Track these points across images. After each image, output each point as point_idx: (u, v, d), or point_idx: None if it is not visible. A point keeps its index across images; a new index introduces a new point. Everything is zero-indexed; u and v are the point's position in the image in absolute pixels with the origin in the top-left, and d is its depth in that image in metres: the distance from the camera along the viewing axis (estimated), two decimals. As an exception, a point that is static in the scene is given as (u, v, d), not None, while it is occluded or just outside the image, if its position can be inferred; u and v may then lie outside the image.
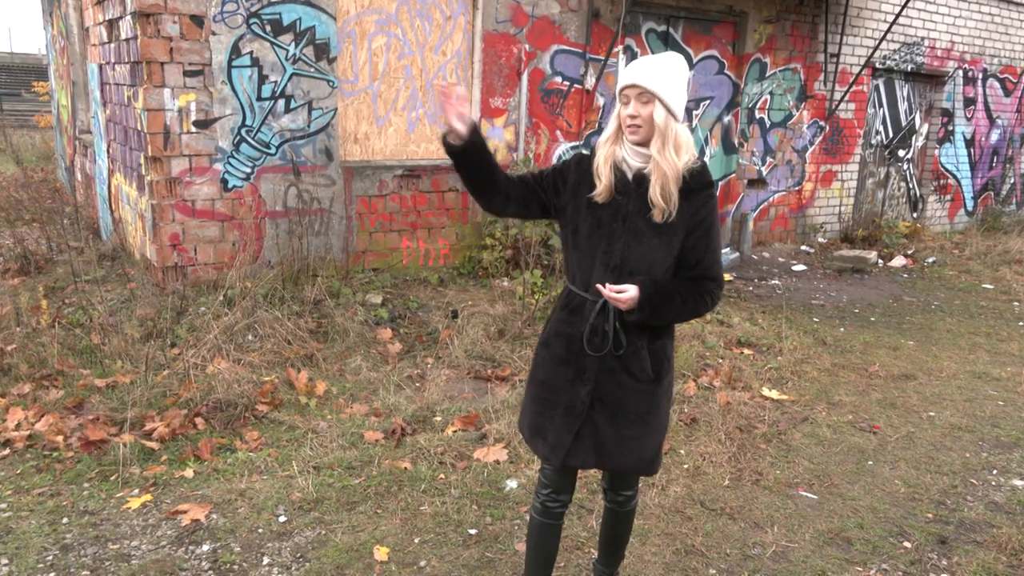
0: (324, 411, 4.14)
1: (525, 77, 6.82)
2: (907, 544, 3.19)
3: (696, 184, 2.18)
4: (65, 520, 3.05)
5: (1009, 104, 11.24)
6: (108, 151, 6.65)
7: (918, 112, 10.38)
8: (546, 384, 2.32)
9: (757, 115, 8.57)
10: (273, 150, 5.71)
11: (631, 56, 7.48)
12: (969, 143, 10.96)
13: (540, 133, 7.05)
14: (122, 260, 6.19)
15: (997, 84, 10.94)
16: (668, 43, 7.73)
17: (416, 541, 3.03)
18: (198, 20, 5.24)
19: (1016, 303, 7.38)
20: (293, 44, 5.63)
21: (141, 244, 5.90)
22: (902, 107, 10.17)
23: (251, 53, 5.47)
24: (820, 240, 9.45)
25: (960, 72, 10.37)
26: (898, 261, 8.90)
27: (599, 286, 2.15)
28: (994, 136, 11.24)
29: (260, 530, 3.06)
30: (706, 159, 8.24)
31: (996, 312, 7.03)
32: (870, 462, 3.91)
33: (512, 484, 3.47)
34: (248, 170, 5.63)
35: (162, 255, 5.44)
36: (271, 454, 3.63)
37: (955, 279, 8.27)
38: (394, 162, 6.37)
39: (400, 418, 4.02)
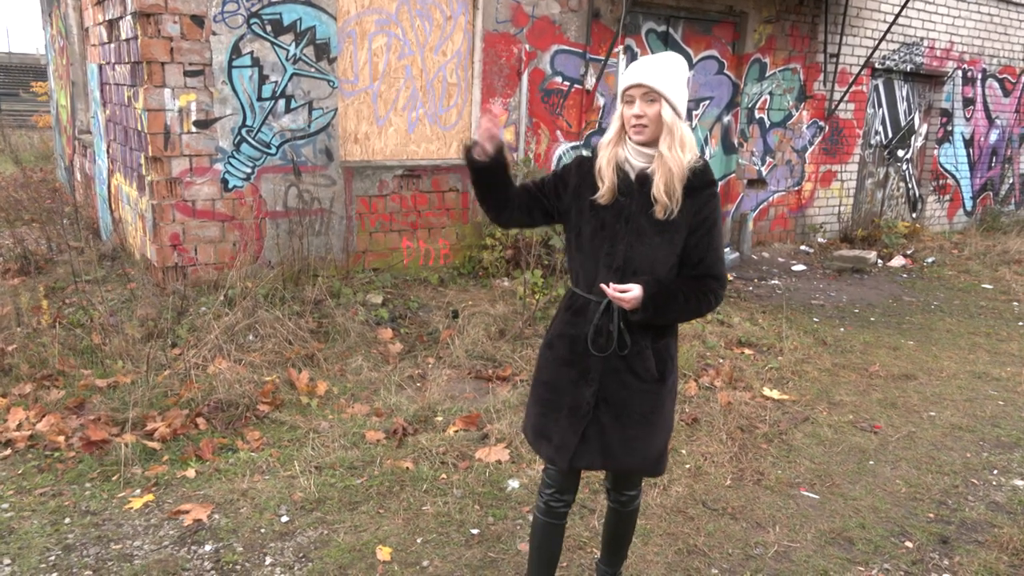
0: (325, 411, 4.14)
1: (525, 77, 6.82)
2: (909, 544, 3.19)
3: (699, 182, 2.19)
4: (67, 520, 3.05)
5: (1008, 104, 11.26)
6: (108, 151, 6.65)
7: (917, 112, 10.40)
8: (550, 385, 2.32)
9: (757, 115, 8.57)
10: (273, 150, 5.71)
11: (631, 56, 7.48)
12: (968, 143, 10.98)
13: (540, 133, 7.05)
14: (122, 260, 6.18)
15: (996, 84, 10.96)
16: (668, 43, 7.74)
17: (419, 541, 3.04)
18: (198, 20, 5.24)
19: (1015, 303, 7.39)
20: (293, 44, 5.63)
21: (141, 244, 5.90)
22: (901, 107, 10.18)
23: (251, 53, 5.47)
24: (820, 240, 9.46)
25: (959, 72, 10.39)
26: (897, 261, 8.91)
27: (603, 286, 2.15)
28: (993, 136, 11.26)
29: (262, 530, 3.06)
30: (707, 159, 8.25)
31: (996, 312, 7.04)
32: (871, 462, 3.91)
33: (514, 484, 3.48)
34: (248, 170, 5.63)
35: (162, 255, 5.43)
36: (273, 454, 3.63)
37: (954, 279, 8.28)
38: (394, 162, 6.37)
39: (401, 418, 4.02)
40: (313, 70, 5.75)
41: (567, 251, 2.36)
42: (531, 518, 3.16)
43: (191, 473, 3.43)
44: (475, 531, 3.12)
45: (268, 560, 2.88)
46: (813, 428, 4.25)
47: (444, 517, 3.20)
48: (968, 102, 10.70)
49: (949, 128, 10.64)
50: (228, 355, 4.49)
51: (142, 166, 5.45)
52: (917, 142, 10.58)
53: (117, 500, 3.21)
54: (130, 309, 5.09)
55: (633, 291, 2.13)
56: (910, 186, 10.73)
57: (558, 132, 7.16)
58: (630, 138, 2.20)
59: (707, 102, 8.26)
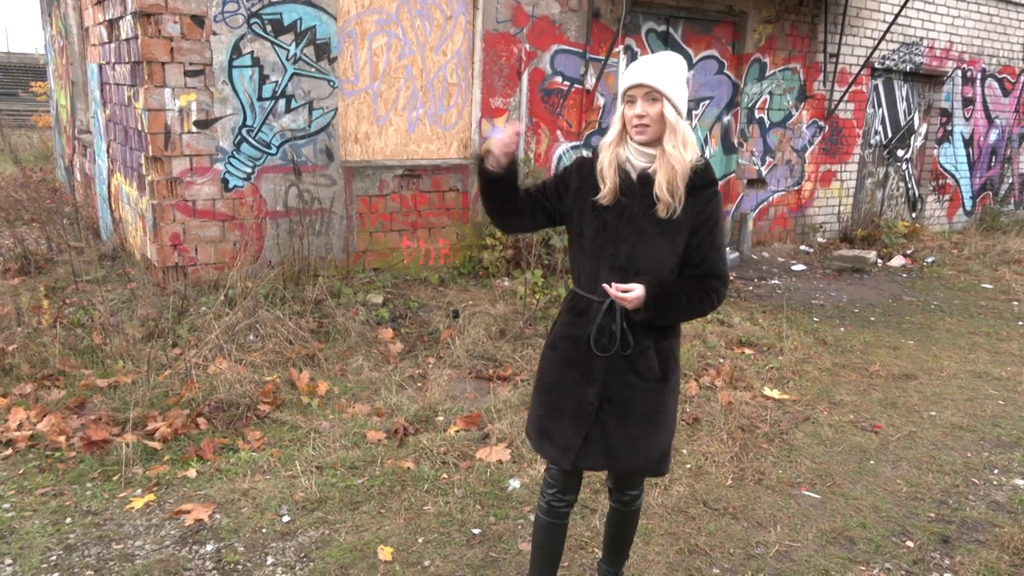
0: (326, 411, 4.14)
1: (525, 77, 6.82)
2: (910, 543, 3.19)
3: (700, 182, 2.19)
4: (68, 520, 3.05)
5: (1007, 104, 11.26)
6: (108, 151, 6.64)
7: (917, 112, 10.40)
8: (553, 387, 2.32)
9: (756, 115, 8.58)
10: (274, 150, 5.70)
11: (631, 56, 7.48)
12: (967, 143, 10.98)
13: (540, 133, 7.05)
14: (122, 260, 6.18)
15: (995, 84, 10.97)
16: (668, 43, 7.74)
17: (420, 541, 3.04)
18: (199, 20, 5.24)
19: (1015, 303, 7.40)
20: (294, 44, 5.63)
21: (142, 244, 5.90)
22: (901, 107, 10.19)
23: (252, 53, 5.47)
24: (819, 240, 9.47)
25: (959, 72, 10.39)
26: (897, 261, 8.91)
27: (605, 286, 2.16)
28: (992, 136, 11.26)
29: (264, 530, 3.06)
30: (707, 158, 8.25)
31: (996, 312, 7.04)
32: (872, 461, 3.91)
33: (515, 484, 3.48)
34: (249, 170, 5.63)
35: (163, 255, 5.43)
36: (274, 454, 3.63)
37: (954, 279, 8.29)
38: (394, 162, 6.37)
39: (402, 418, 4.02)
40: (313, 70, 5.75)
41: (569, 252, 2.36)
42: (532, 518, 3.17)
43: (192, 473, 3.43)
44: (476, 531, 3.12)
45: (270, 560, 2.88)
46: (814, 428, 4.25)
47: (445, 517, 3.20)
48: (967, 102, 10.71)
49: (949, 128, 10.65)
50: (229, 355, 4.49)
51: (142, 166, 5.45)
52: (917, 142, 10.58)
53: (118, 500, 3.21)
54: (130, 309, 5.08)
55: (635, 291, 2.13)
56: (910, 186, 10.74)
57: (558, 132, 7.16)
58: (632, 138, 2.19)
59: (707, 102, 8.26)
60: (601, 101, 7.39)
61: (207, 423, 3.85)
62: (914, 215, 10.86)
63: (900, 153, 10.44)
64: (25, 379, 4.10)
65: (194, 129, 5.36)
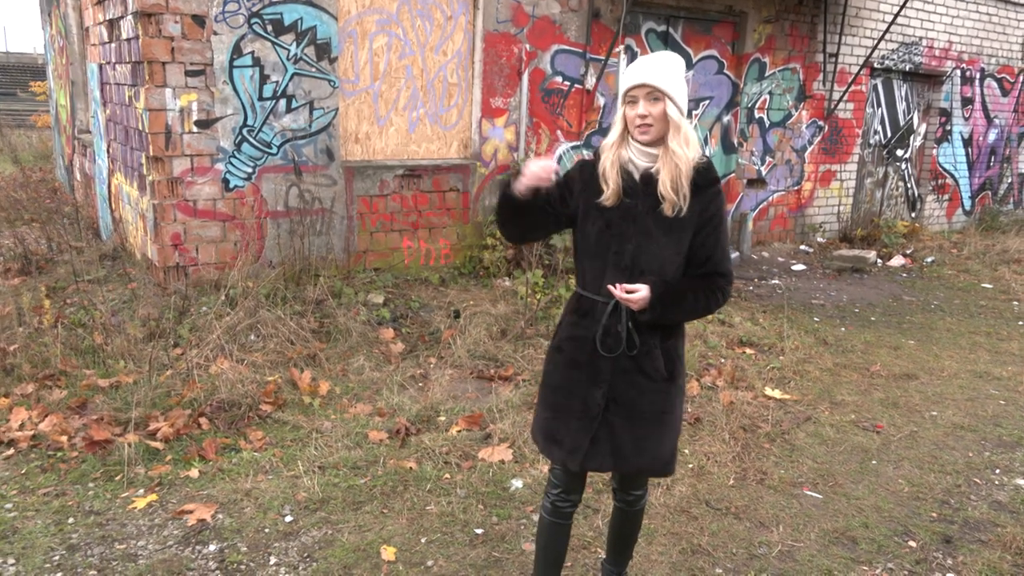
0: (328, 411, 4.14)
1: (526, 77, 6.82)
2: (912, 543, 3.20)
3: (704, 181, 2.20)
4: (71, 520, 3.05)
5: (1006, 104, 11.28)
6: (108, 151, 6.64)
7: (916, 112, 10.41)
8: (560, 388, 2.31)
9: (756, 115, 8.58)
10: (274, 150, 5.70)
11: (631, 56, 7.48)
12: (967, 143, 11.00)
13: (541, 133, 7.05)
14: (123, 260, 6.18)
15: (995, 84, 10.98)
16: (668, 43, 7.74)
17: (423, 541, 3.04)
18: (200, 20, 5.23)
19: (1015, 302, 7.40)
20: (294, 44, 5.62)
21: (142, 244, 5.89)
22: (900, 107, 10.20)
23: (252, 53, 5.47)
24: (819, 240, 9.47)
25: (958, 72, 10.41)
26: (897, 261, 8.92)
27: (610, 287, 2.16)
28: (992, 136, 11.28)
29: (266, 530, 3.05)
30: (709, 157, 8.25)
31: (996, 311, 7.05)
32: (874, 461, 3.92)
33: (517, 484, 3.48)
34: (249, 170, 5.63)
35: (163, 255, 5.43)
36: (276, 454, 3.63)
37: (954, 278, 8.29)
38: (395, 162, 6.37)
39: (404, 418, 4.02)
40: (314, 70, 5.74)
41: (573, 253, 2.36)
42: (535, 518, 3.17)
43: (194, 473, 3.43)
44: (479, 531, 3.12)
45: (272, 560, 2.88)
46: (815, 428, 4.26)
47: (448, 517, 3.20)
48: (967, 102, 10.72)
49: (948, 128, 10.66)
50: (230, 355, 4.48)
51: (143, 166, 5.44)
52: (916, 142, 10.59)
53: (121, 500, 3.21)
54: (131, 309, 5.08)
55: (640, 291, 2.13)
56: (909, 186, 10.75)
57: (558, 132, 7.16)
58: (635, 139, 2.20)
59: (707, 102, 8.27)
60: (601, 101, 7.39)
61: (209, 423, 3.85)
62: (913, 215, 10.88)
63: (899, 153, 10.45)
64: (27, 379, 4.09)
65: (195, 129, 5.36)
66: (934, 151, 10.65)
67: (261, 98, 5.56)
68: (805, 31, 8.66)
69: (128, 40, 5.46)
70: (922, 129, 10.58)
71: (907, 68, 9.79)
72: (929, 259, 9.04)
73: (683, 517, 3.29)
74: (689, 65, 7.93)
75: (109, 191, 6.81)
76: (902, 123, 10.30)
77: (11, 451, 3.52)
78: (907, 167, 10.63)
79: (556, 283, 5.95)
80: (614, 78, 7.37)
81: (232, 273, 5.30)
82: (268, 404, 4.07)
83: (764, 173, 8.84)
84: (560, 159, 7.23)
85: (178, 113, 5.28)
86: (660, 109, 2.14)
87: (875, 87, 9.76)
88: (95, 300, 5.04)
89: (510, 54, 6.69)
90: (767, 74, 8.51)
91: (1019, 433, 4.34)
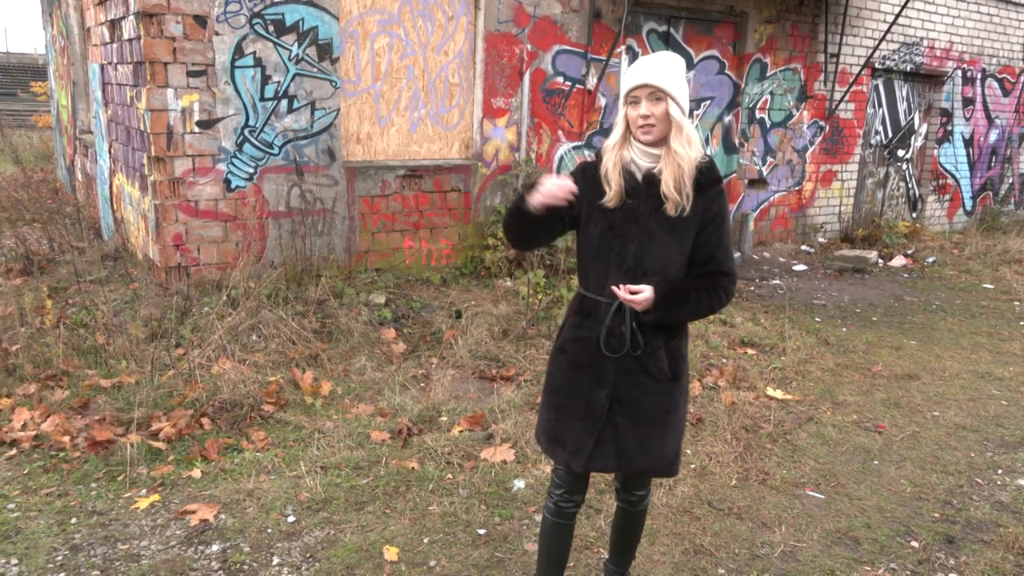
0: (330, 411, 4.14)
1: (527, 77, 6.83)
2: (915, 543, 3.20)
3: (706, 180, 2.20)
4: (74, 520, 3.05)
5: (1007, 104, 11.28)
6: (110, 151, 6.64)
7: (917, 112, 10.41)
8: (563, 390, 2.31)
9: (757, 115, 8.58)
10: (276, 150, 5.70)
11: (633, 56, 7.49)
12: (968, 143, 10.99)
13: (542, 133, 7.05)
14: (124, 260, 6.18)
15: (996, 84, 10.98)
16: (669, 43, 7.75)
17: (425, 541, 3.04)
18: (201, 20, 5.24)
19: (1017, 303, 7.40)
20: (296, 44, 5.63)
21: (144, 244, 5.90)
22: (901, 107, 10.20)
23: (254, 53, 5.47)
24: (820, 240, 9.47)
25: (959, 72, 10.40)
26: (898, 261, 8.92)
27: (614, 288, 2.16)
28: (993, 136, 11.28)
29: (269, 530, 3.05)
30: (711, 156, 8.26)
31: (997, 312, 7.05)
32: (876, 462, 3.92)
33: (520, 484, 3.48)
34: (251, 170, 5.63)
35: (165, 255, 5.43)
36: (278, 454, 3.63)
37: (955, 279, 8.29)
38: (396, 162, 6.37)
39: (406, 418, 4.02)
40: (315, 70, 5.75)
41: (576, 254, 2.36)
42: (538, 518, 3.17)
43: (197, 473, 3.43)
44: (482, 531, 3.12)
45: (275, 560, 2.88)
46: (817, 428, 4.26)
47: (451, 517, 3.20)
48: (968, 102, 10.72)
49: (949, 128, 10.66)
50: (232, 355, 4.48)
51: (145, 166, 5.45)
52: (917, 142, 10.59)
53: (123, 500, 3.21)
54: (133, 309, 5.08)
55: (644, 292, 2.13)
56: (910, 186, 10.75)
57: (560, 132, 7.16)
58: (638, 139, 2.20)
59: (708, 102, 8.27)
60: (603, 101, 7.39)
61: (211, 423, 3.85)
62: (914, 215, 10.87)
63: (900, 153, 10.45)
64: (29, 379, 4.10)
65: (196, 129, 5.36)
66: (935, 151, 10.65)
67: (263, 98, 5.56)
68: (806, 31, 8.66)
69: (130, 40, 5.46)
70: (923, 129, 10.58)
71: (908, 68, 9.79)
72: (930, 259, 9.04)
73: (685, 517, 3.29)
74: (690, 65, 7.93)
75: (111, 191, 6.81)
76: (903, 123, 10.30)
77: (13, 451, 3.52)
78: (908, 167, 10.63)
79: (557, 283, 5.94)
80: (615, 78, 7.37)
81: (234, 273, 5.31)
82: (270, 404, 4.07)
83: (765, 173, 8.84)
84: (562, 167, 7.23)
85: (180, 113, 5.28)
86: (662, 109, 2.14)
87: (876, 87, 9.76)
88: (97, 300, 5.04)
89: (511, 54, 6.69)
90: (768, 74, 8.51)
91: (1021, 433, 4.34)
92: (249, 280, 5.28)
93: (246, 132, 5.54)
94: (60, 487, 3.28)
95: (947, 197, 11.06)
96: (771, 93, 8.60)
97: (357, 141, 6.26)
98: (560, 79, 7.03)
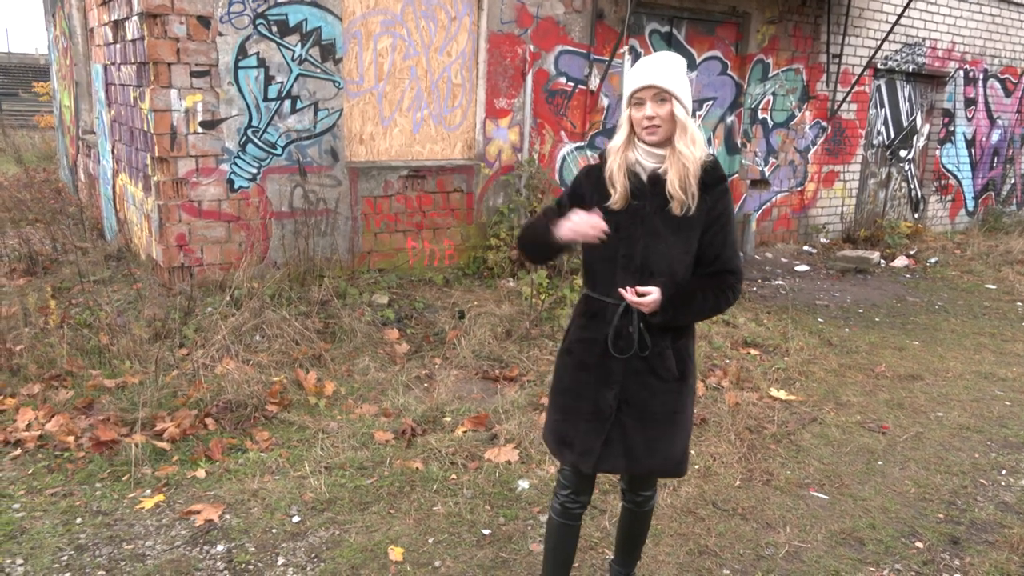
0: (334, 411, 4.14)
1: (530, 78, 6.83)
2: (919, 544, 3.20)
3: (711, 179, 2.20)
4: (79, 520, 3.05)
5: (1010, 104, 11.27)
6: (113, 151, 6.65)
7: (919, 112, 10.41)
8: (569, 391, 2.31)
9: (760, 115, 8.58)
10: (279, 151, 5.71)
11: (635, 57, 7.49)
12: (970, 143, 10.99)
13: (545, 134, 7.05)
14: (128, 260, 6.18)
15: (998, 84, 10.97)
16: (671, 44, 7.75)
17: (430, 541, 3.04)
18: (205, 21, 5.24)
19: (1020, 303, 7.40)
20: (299, 45, 5.63)
21: (147, 244, 5.90)
22: (903, 107, 10.19)
23: (257, 54, 5.47)
24: (822, 240, 9.47)
25: (961, 73, 10.40)
26: (900, 261, 8.92)
27: (621, 291, 2.16)
28: (995, 136, 11.27)
29: (274, 530, 3.06)
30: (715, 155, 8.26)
31: (1000, 312, 7.05)
32: (880, 462, 3.92)
33: (524, 484, 3.48)
34: (254, 171, 5.63)
35: (168, 255, 5.43)
36: (282, 454, 3.63)
37: (958, 279, 8.29)
38: (399, 163, 6.37)
39: (410, 418, 4.02)
40: (319, 71, 5.75)
41: (582, 255, 2.36)
42: (542, 519, 3.17)
43: (201, 473, 3.43)
44: (486, 531, 3.12)
45: (280, 560, 2.88)
46: (821, 429, 4.26)
47: (455, 517, 3.20)
48: (970, 102, 10.72)
49: (951, 128, 10.65)
50: (235, 355, 4.49)
51: (148, 166, 5.45)
52: (919, 142, 10.59)
53: (128, 500, 3.21)
54: (137, 309, 5.09)
55: (651, 295, 2.13)
56: (912, 186, 10.74)
57: (562, 133, 7.16)
58: (643, 140, 2.20)
59: (710, 103, 8.27)
60: (605, 102, 7.39)
61: (215, 423, 3.85)
62: (916, 216, 10.87)
63: (903, 154, 10.45)
64: (33, 379, 4.10)
65: (200, 130, 5.36)
66: (937, 152, 10.64)
67: (266, 99, 5.57)
68: (808, 32, 8.66)
69: (133, 41, 5.47)
70: (925, 130, 10.57)
71: (910, 69, 9.79)
72: (932, 260, 9.03)
73: (690, 518, 3.29)
74: (693, 66, 7.93)
75: (114, 192, 6.82)
76: (905, 124, 10.30)
77: (18, 451, 3.53)
78: (910, 168, 10.63)
79: (560, 283, 5.94)
80: (618, 79, 7.38)
81: (237, 274, 5.31)
82: (274, 404, 4.08)
83: (768, 174, 8.84)
84: (564, 167, 7.23)
85: (183, 114, 5.28)
86: (667, 110, 2.14)
87: (878, 88, 9.76)
88: (100, 300, 5.05)
89: (514, 55, 6.70)
90: (770, 75, 8.51)
91: (1025, 434, 4.34)
92: (252, 280, 5.29)
93: (249, 132, 5.55)
94: (65, 487, 3.28)
95: (949, 198, 11.06)
96: (773, 94, 8.60)
97: (360, 142, 6.26)
98: (563, 80, 7.03)
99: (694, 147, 2.16)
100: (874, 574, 2.98)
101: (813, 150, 9.18)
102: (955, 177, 11.02)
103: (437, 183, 6.50)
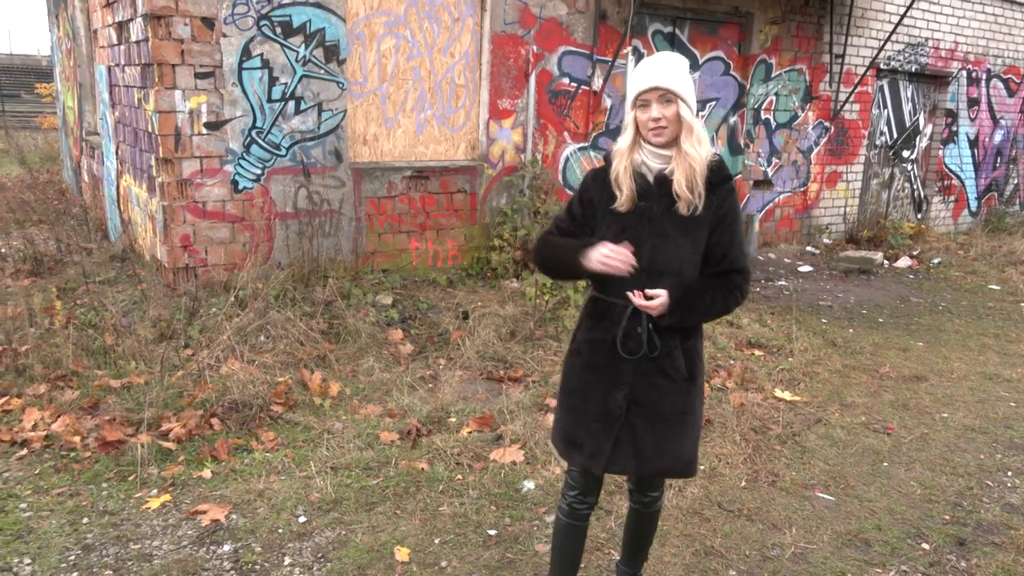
0: (339, 412, 4.15)
1: (533, 78, 6.83)
2: (925, 546, 3.19)
3: (717, 179, 2.21)
4: (85, 520, 3.06)
5: (1013, 104, 11.26)
6: (117, 153, 6.66)
7: (922, 113, 10.40)
8: (577, 391, 2.31)
9: (763, 116, 8.58)
10: (283, 151, 5.71)
11: (638, 57, 7.49)
12: (973, 144, 10.98)
13: (548, 134, 7.06)
14: (132, 261, 6.19)
15: (1001, 85, 10.97)
16: (674, 44, 7.75)
17: (436, 542, 3.04)
18: (209, 22, 5.25)
19: (1023, 304, 7.39)
20: (303, 46, 5.64)
21: (151, 245, 5.91)
22: (906, 108, 10.19)
23: (261, 55, 5.48)
24: (825, 241, 9.46)
25: (964, 73, 10.39)
26: (903, 262, 8.91)
27: (629, 294, 2.16)
28: (998, 137, 11.26)
29: (280, 530, 3.06)
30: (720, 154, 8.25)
31: (1004, 313, 7.04)
32: (885, 463, 3.91)
33: (529, 485, 3.48)
34: (258, 171, 5.64)
35: (173, 256, 5.44)
36: (288, 455, 3.63)
37: (961, 280, 8.28)
38: (403, 163, 6.38)
39: (415, 419, 4.02)
40: (322, 72, 5.76)
41: None
42: (548, 519, 3.18)
43: (207, 473, 3.43)
44: (492, 532, 3.12)
45: (287, 560, 2.88)
46: (826, 429, 4.26)
47: (461, 518, 3.20)
48: (973, 103, 10.71)
49: (954, 129, 10.64)
50: (240, 356, 4.49)
51: (152, 167, 5.46)
52: (922, 143, 10.58)
53: (134, 500, 3.22)
54: (142, 310, 5.09)
55: (659, 298, 2.13)
56: (915, 187, 10.74)
57: (565, 133, 7.16)
58: (649, 142, 2.20)
59: (713, 103, 8.27)
60: (608, 102, 7.40)
61: (221, 424, 3.86)
62: (919, 216, 10.86)
63: (905, 154, 10.44)
64: (39, 380, 4.11)
65: (204, 131, 5.37)
66: (940, 152, 10.63)
67: (270, 100, 5.57)
68: (811, 32, 8.66)
69: (137, 42, 5.48)
70: (928, 130, 10.57)
71: (913, 69, 9.78)
72: (936, 260, 9.02)
73: (696, 519, 3.29)
74: (695, 66, 7.93)
75: (118, 193, 6.83)
76: (908, 124, 10.29)
77: (24, 451, 3.53)
78: (913, 168, 10.62)
79: (564, 284, 5.94)
80: (621, 79, 7.38)
81: (241, 274, 5.32)
82: (279, 405, 4.08)
83: (770, 174, 8.84)
84: (568, 168, 7.23)
85: (187, 115, 5.29)
86: (673, 111, 2.15)
87: (881, 88, 9.75)
88: (105, 301, 5.05)
89: (517, 56, 6.70)
90: (773, 75, 8.51)
91: (1030, 435, 4.33)
92: (257, 281, 5.29)
93: (253, 133, 5.55)
94: (71, 487, 3.29)
95: (952, 198, 11.05)
96: (776, 94, 8.60)
97: (364, 142, 6.27)
98: (566, 80, 7.03)
99: (700, 147, 2.16)
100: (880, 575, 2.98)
101: (816, 150, 9.18)
102: (958, 178, 11.01)
103: (441, 184, 6.50)
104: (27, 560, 2.79)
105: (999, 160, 11.44)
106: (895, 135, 10.19)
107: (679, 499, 3.43)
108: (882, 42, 9.02)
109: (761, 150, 8.68)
